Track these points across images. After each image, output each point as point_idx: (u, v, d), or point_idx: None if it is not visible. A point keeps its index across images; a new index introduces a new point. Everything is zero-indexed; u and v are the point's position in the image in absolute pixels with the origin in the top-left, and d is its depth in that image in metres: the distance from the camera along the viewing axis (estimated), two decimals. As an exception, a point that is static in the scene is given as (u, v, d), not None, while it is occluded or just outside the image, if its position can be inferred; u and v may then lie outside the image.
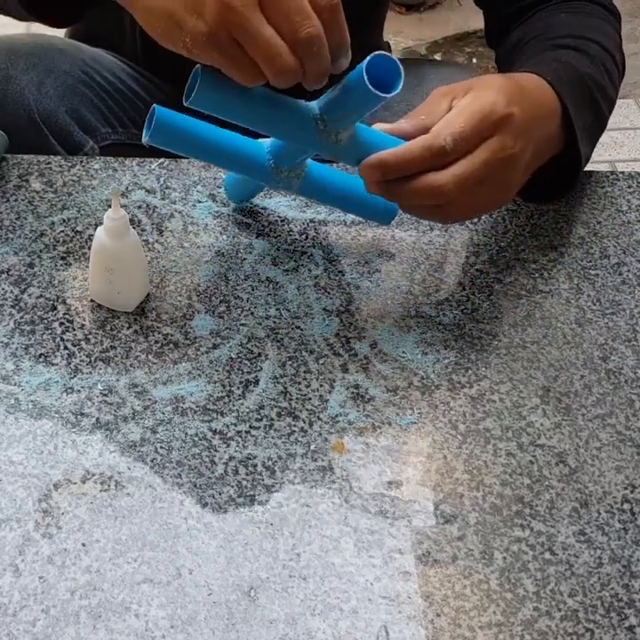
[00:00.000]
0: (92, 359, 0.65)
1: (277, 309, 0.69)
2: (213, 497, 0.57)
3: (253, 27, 0.54)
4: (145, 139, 0.63)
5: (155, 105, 0.62)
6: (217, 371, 0.64)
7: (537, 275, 0.73)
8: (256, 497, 0.57)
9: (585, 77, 0.75)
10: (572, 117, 0.71)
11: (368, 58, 0.58)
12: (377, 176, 0.62)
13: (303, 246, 0.74)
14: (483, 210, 0.70)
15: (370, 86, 0.57)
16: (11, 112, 0.83)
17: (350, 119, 0.62)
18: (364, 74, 0.57)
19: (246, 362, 0.65)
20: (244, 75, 0.56)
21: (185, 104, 0.60)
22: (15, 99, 0.85)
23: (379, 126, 0.65)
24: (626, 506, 0.58)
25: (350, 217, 0.76)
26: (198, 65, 0.59)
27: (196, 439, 0.60)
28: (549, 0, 0.85)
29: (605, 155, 2.04)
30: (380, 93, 0.58)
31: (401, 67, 0.58)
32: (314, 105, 0.63)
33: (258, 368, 0.65)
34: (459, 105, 0.64)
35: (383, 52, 0.59)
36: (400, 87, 0.58)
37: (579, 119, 0.72)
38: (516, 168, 0.66)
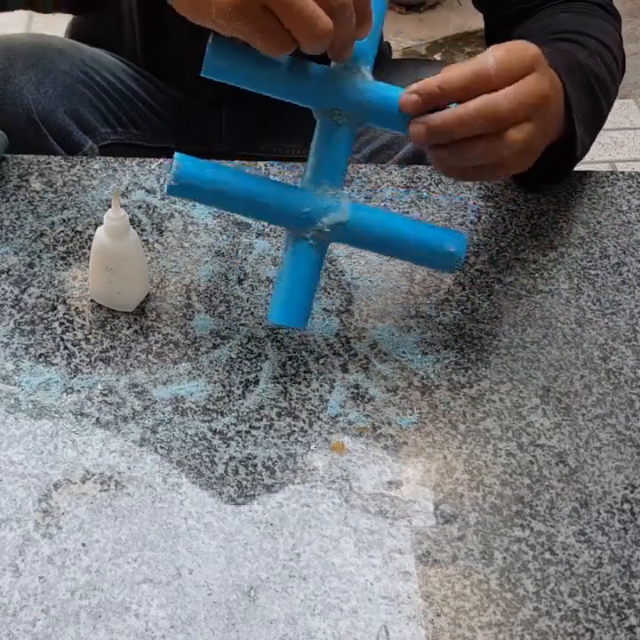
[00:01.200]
0: (92, 359, 0.65)
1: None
2: (213, 497, 0.57)
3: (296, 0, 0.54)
4: (165, 191, 0.62)
5: (176, 154, 0.60)
6: (217, 371, 0.64)
7: (537, 275, 0.73)
8: (256, 497, 0.57)
9: (583, 66, 0.74)
10: (570, 99, 0.70)
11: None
12: (417, 104, 0.60)
13: (303, 246, 0.74)
14: (527, 155, 0.66)
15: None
16: (10, 112, 0.83)
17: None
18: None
19: (246, 362, 0.65)
20: (272, 43, 0.56)
21: (201, 74, 0.59)
22: (14, 98, 0.85)
23: (411, 89, 0.62)
24: (626, 506, 0.58)
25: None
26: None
27: (196, 439, 0.60)
28: (549, 1, 0.85)
29: (605, 155, 2.04)
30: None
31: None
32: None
33: (258, 368, 0.65)
34: (494, 47, 0.62)
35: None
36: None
37: (577, 103, 0.71)
38: (549, 114, 0.65)
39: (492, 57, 0.61)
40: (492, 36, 0.92)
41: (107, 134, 0.95)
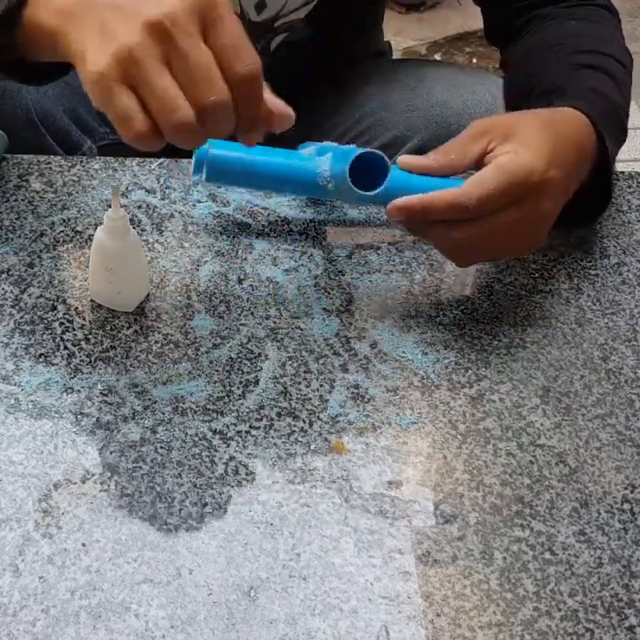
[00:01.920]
0: (92, 359, 0.65)
1: (277, 309, 0.69)
2: (213, 497, 0.57)
3: (155, 78, 0.49)
4: (194, 178, 0.66)
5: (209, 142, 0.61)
6: (217, 371, 0.64)
7: (537, 275, 0.73)
8: (256, 497, 0.57)
9: (617, 107, 0.74)
10: (609, 154, 0.70)
11: (355, 153, 0.62)
12: (402, 218, 0.64)
13: (303, 246, 0.74)
14: (506, 255, 0.71)
15: (352, 186, 0.62)
16: (9, 112, 0.83)
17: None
18: (347, 173, 0.62)
19: (246, 362, 0.65)
20: (128, 124, 0.50)
21: (193, 180, 0.61)
22: (13, 98, 0.85)
23: (404, 160, 0.66)
24: (626, 506, 0.58)
25: (350, 217, 0.76)
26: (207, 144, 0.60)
27: (196, 439, 0.60)
28: (548, 2, 0.85)
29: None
30: (361, 192, 0.62)
31: (388, 163, 0.62)
32: (322, 167, 0.66)
33: (258, 368, 0.65)
34: (496, 162, 0.63)
35: (370, 150, 0.62)
36: (383, 185, 0.62)
37: (613, 151, 0.71)
38: (546, 223, 0.66)
39: (476, 199, 0.62)
40: (491, 33, 0.92)
41: (105, 134, 0.95)
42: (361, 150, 0.63)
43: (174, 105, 0.49)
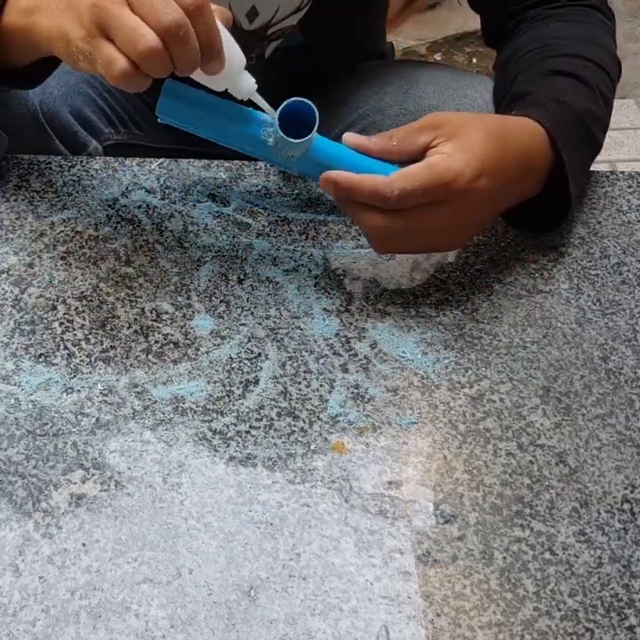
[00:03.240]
0: (92, 359, 0.65)
1: (277, 309, 0.69)
2: (213, 497, 0.57)
3: (118, 17, 0.57)
4: (157, 111, 0.66)
5: (167, 79, 0.63)
6: (217, 371, 0.64)
7: (537, 275, 0.73)
8: (256, 497, 0.57)
9: (583, 116, 0.73)
10: (566, 167, 0.70)
11: (283, 105, 0.64)
12: (330, 191, 0.66)
13: (303, 246, 0.74)
14: (424, 251, 0.71)
15: (281, 133, 0.63)
16: (16, 113, 0.84)
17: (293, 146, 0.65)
18: (276, 120, 0.63)
19: (246, 362, 0.65)
20: (112, 67, 0.58)
21: (156, 113, 0.64)
22: (20, 99, 0.85)
23: (347, 137, 0.67)
24: (626, 506, 0.58)
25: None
26: (166, 80, 0.61)
27: (196, 439, 0.60)
28: (542, 3, 0.85)
29: (605, 155, 2.04)
30: (290, 139, 0.63)
31: (316, 112, 0.64)
32: (269, 120, 0.66)
33: (258, 368, 0.65)
34: (427, 160, 0.64)
35: (299, 99, 0.64)
36: (314, 131, 0.64)
37: (574, 163, 0.71)
38: (466, 228, 0.68)
39: (398, 191, 0.63)
40: (488, 34, 0.92)
41: (110, 134, 0.95)
42: (291, 100, 0.64)
43: (139, 34, 0.56)
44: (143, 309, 0.68)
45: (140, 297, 0.69)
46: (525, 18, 0.85)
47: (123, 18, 0.57)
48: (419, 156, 0.66)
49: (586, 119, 0.73)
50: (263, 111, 0.66)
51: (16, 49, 0.68)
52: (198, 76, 0.62)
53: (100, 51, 0.58)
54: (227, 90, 0.65)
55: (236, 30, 0.87)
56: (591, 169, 0.80)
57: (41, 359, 0.64)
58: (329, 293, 0.70)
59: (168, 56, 0.58)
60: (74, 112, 0.89)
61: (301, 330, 0.67)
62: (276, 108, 0.65)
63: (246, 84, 0.65)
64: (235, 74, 0.64)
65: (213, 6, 0.64)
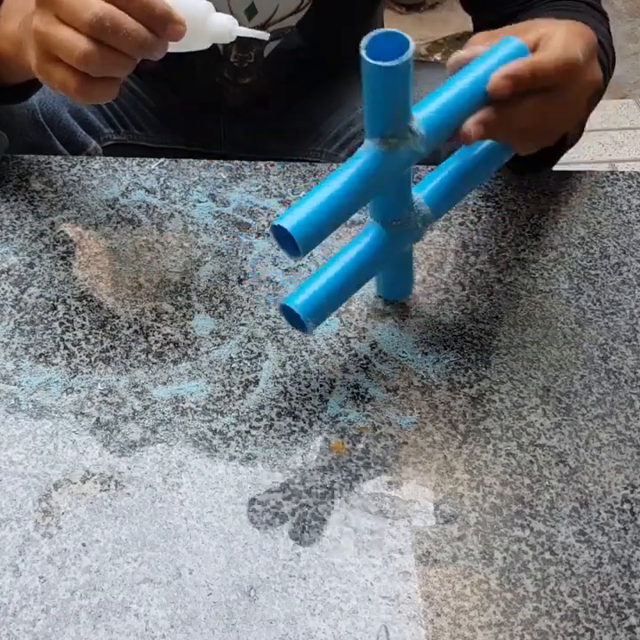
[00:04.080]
0: (92, 359, 0.65)
1: (277, 309, 0.69)
2: (213, 497, 0.57)
3: (51, 35, 0.57)
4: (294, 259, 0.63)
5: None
6: (217, 371, 0.64)
7: (537, 275, 0.73)
8: (256, 497, 0.57)
9: (605, 49, 0.74)
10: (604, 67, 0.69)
11: (371, 35, 0.55)
12: (508, 89, 0.59)
13: (303, 246, 0.74)
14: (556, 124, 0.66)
15: (368, 59, 0.54)
16: (15, 112, 0.84)
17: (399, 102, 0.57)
18: (363, 50, 0.54)
19: (246, 362, 0.65)
20: (67, 89, 0.58)
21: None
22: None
23: (452, 61, 0.63)
24: (626, 506, 0.58)
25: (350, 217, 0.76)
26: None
27: (196, 439, 0.60)
28: (536, 3, 0.85)
29: (605, 155, 2.04)
30: (379, 63, 0.54)
31: (408, 40, 0.55)
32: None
33: (258, 368, 0.65)
34: (558, 30, 0.62)
35: (386, 30, 0.55)
36: (408, 55, 0.54)
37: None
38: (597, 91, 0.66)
39: (580, 51, 0.60)
40: None
41: (110, 134, 0.95)
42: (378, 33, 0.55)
43: (71, 44, 0.56)
44: (143, 309, 0.68)
45: (140, 297, 0.69)
46: (518, 20, 0.85)
47: (54, 34, 0.57)
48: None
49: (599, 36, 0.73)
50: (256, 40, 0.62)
51: (7, 71, 0.70)
52: (175, 47, 0.60)
53: (53, 76, 0.59)
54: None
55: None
56: (591, 169, 0.80)
57: (41, 359, 0.64)
58: (329, 293, 0.70)
59: (107, 52, 0.57)
60: (73, 112, 0.89)
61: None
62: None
63: (222, 24, 0.61)
64: (204, 24, 0.61)
65: None
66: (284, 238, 0.57)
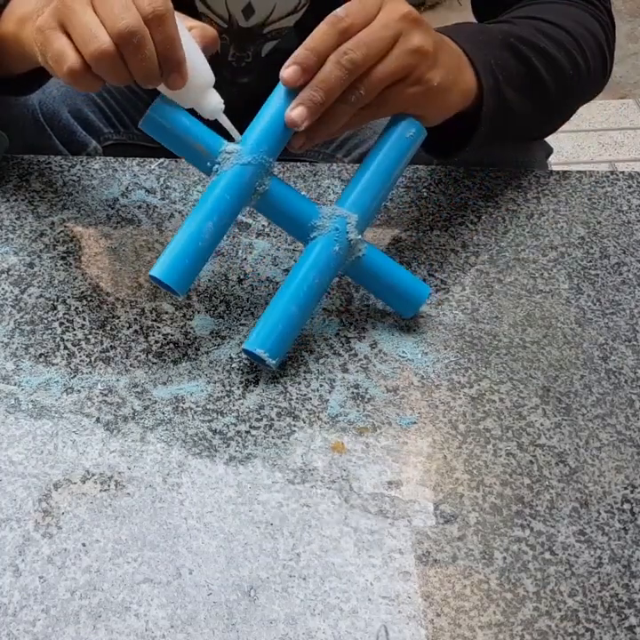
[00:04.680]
0: (92, 359, 0.65)
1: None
2: (213, 497, 0.57)
3: (78, 14, 0.57)
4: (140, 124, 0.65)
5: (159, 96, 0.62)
6: (217, 371, 0.64)
7: (537, 275, 0.73)
8: (256, 497, 0.57)
9: (493, 30, 0.72)
10: (468, 53, 0.68)
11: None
12: (298, 73, 0.60)
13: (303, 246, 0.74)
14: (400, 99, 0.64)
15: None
16: (16, 113, 0.84)
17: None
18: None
19: (246, 362, 0.65)
20: (61, 62, 0.57)
21: (140, 125, 0.63)
22: (19, 99, 0.85)
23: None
24: (626, 506, 0.58)
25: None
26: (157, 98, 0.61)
27: (196, 439, 0.60)
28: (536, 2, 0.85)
29: (605, 155, 2.04)
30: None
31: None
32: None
33: (258, 368, 0.65)
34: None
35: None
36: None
37: (482, 56, 0.69)
38: (424, 62, 0.62)
39: (342, 8, 0.60)
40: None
41: (110, 134, 0.95)
42: None
43: (93, 35, 0.56)
44: (143, 309, 0.68)
45: (140, 297, 0.69)
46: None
47: (82, 15, 0.57)
48: None
49: (501, 33, 0.73)
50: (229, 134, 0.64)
51: (9, 57, 0.69)
52: (162, 89, 0.61)
53: (52, 43, 0.58)
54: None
55: (231, 27, 0.86)
56: (591, 169, 0.80)
57: (41, 359, 0.64)
58: (329, 293, 0.70)
59: (121, 61, 0.57)
60: (73, 112, 0.89)
61: (301, 330, 0.67)
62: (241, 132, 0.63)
63: (211, 104, 0.63)
64: (199, 92, 0.62)
65: (195, 23, 0.63)
66: (163, 285, 0.62)
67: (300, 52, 0.60)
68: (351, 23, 0.60)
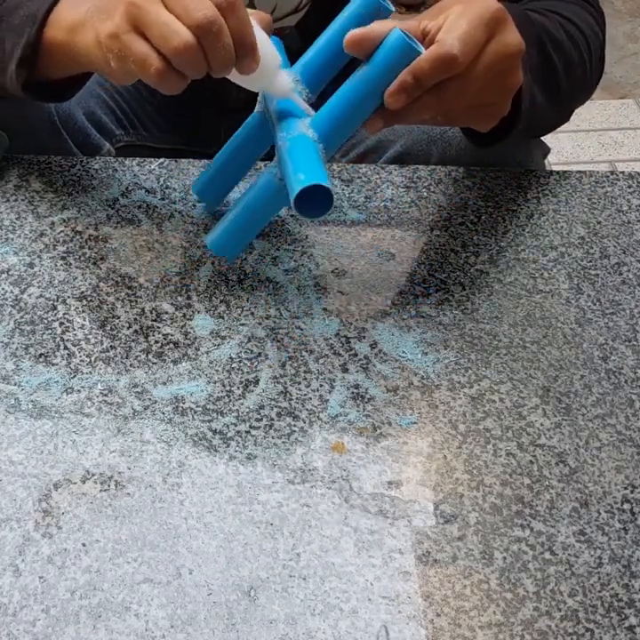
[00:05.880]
0: (92, 359, 0.65)
1: (277, 309, 0.69)
2: (213, 497, 0.57)
3: (152, 13, 0.57)
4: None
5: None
6: (217, 371, 0.64)
7: (537, 275, 0.73)
8: (256, 497, 0.57)
9: (533, 21, 0.73)
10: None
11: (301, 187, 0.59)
12: (400, 104, 0.61)
13: (303, 246, 0.74)
14: (482, 110, 0.66)
15: (296, 211, 0.59)
16: (32, 116, 0.84)
17: None
18: (292, 203, 0.59)
19: (246, 362, 0.65)
20: (147, 65, 0.58)
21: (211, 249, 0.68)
22: (35, 102, 0.85)
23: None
24: (626, 506, 0.58)
25: (350, 217, 0.76)
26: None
27: (196, 439, 0.60)
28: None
29: (605, 155, 2.04)
30: (303, 217, 0.62)
31: (332, 195, 0.59)
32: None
33: (258, 368, 0.65)
34: (453, 10, 0.62)
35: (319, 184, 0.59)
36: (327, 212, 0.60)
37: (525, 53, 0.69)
38: (518, 64, 0.64)
39: (456, 40, 0.60)
40: None
41: (121, 136, 0.95)
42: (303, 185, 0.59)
43: (172, 30, 0.57)
44: (143, 309, 0.68)
45: (140, 297, 0.69)
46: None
47: (157, 14, 0.57)
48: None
49: (537, 26, 0.73)
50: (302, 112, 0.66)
51: (56, 63, 0.69)
52: (234, 76, 0.62)
53: (132, 47, 0.58)
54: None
55: None
56: (591, 169, 0.80)
57: (41, 359, 0.64)
58: (329, 293, 0.70)
59: (202, 53, 0.58)
60: (87, 114, 0.89)
61: (301, 330, 0.67)
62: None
63: (283, 84, 0.64)
64: (270, 73, 0.63)
65: (250, 10, 0.64)
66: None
67: (404, 76, 0.61)
68: (460, 60, 0.60)
